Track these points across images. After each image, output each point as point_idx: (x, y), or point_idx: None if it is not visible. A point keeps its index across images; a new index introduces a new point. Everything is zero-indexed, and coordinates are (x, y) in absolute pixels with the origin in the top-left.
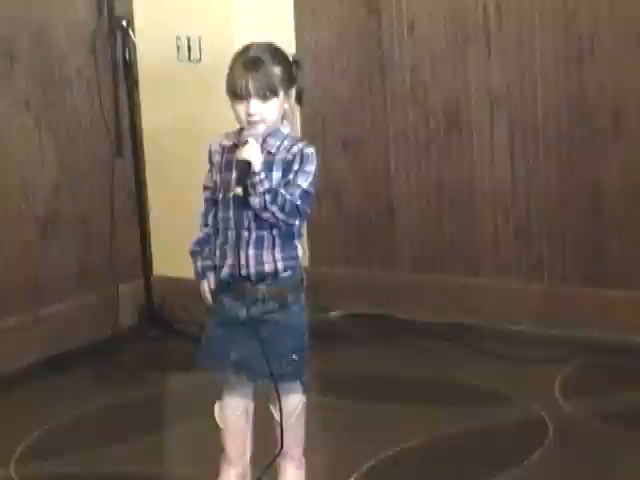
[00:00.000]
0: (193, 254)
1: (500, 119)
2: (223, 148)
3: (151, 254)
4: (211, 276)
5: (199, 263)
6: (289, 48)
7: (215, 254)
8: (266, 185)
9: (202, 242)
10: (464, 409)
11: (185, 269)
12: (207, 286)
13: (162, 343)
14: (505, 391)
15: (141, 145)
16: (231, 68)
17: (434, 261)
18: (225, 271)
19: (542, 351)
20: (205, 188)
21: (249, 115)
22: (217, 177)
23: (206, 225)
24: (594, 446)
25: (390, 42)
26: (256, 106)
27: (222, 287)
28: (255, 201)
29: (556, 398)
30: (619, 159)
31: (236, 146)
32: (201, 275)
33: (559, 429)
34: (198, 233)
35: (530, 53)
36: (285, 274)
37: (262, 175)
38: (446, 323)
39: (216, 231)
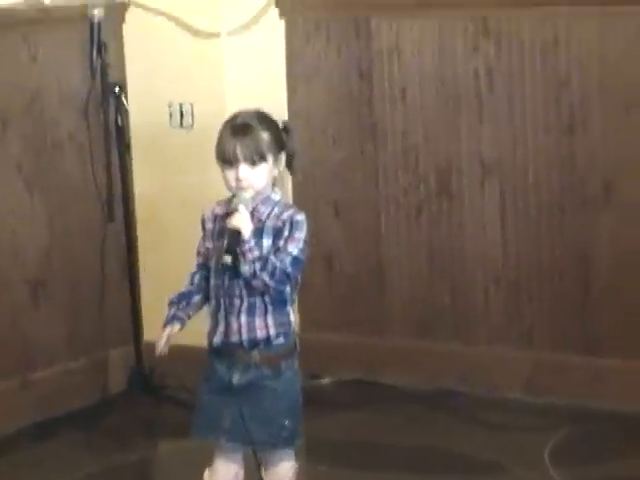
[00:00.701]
0: (170, 303)
1: (491, 185)
2: (215, 216)
3: (141, 320)
4: (177, 326)
5: (172, 311)
6: (282, 113)
7: (209, 321)
8: (256, 253)
9: (181, 296)
10: (453, 477)
11: (176, 335)
12: (167, 334)
13: (151, 409)
14: (495, 459)
15: (133, 210)
16: (220, 135)
17: (424, 327)
18: (217, 338)
19: (532, 419)
20: (198, 253)
21: (238, 180)
22: (209, 245)
23: (191, 284)
24: None
25: (382, 107)
26: (245, 171)
27: (214, 354)
28: (245, 269)
29: (546, 467)
30: (609, 227)
31: (227, 214)
32: (168, 321)
33: None
34: (181, 288)
35: (521, 120)
36: (278, 340)
37: (252, 243)
38: (436, 390)
39: (208, 298)
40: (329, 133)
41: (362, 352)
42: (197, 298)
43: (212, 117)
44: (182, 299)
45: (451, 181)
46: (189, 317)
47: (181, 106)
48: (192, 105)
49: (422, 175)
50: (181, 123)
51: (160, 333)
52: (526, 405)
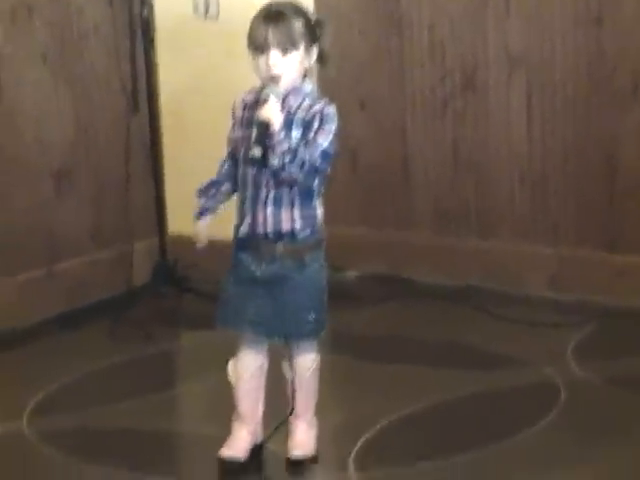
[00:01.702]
0: (198, 192)
1: (518, 79)
2: (245, 104)
3: (166, 212)
4: (208, 217)
5: (201, 202)
6: (308, 4)
7: (236, 212)
8: (285, 146)
9: (210, 184)
10: (476, 372)
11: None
12: (202, 227)
13: (175, 300)
14: (518, 355)
15: (157, 102)
16: (252, 22)
17: (449, 222)
18: (243, 229)
19: (556, 315)
20: (229, 142)
21: (269, 67)
22: (238, 133)
23: (221, 171)
24: (606, 411)
25: (408, 1)
26: (276, 57)
27: (240, 245)
28: (274, 161)
29: (569, 362)
30: (637, 122)
31: (257, 102)
32: (198, 214)
33: (571, 393)
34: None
35: (550, 13)
36: (303, 233)
37: (281, 135)
38: (460, 286)
39: (236, 188)
40: (355, 26)
41: (386, 247)
42: (226, 186)
43: (237, 7)
44: (211, 187)
45: (477, 75)
46: (219, 205)
47: None
48: None
49: (448, 69)
50: (206, 13)
51: (192, 224)
52: (550, 301)
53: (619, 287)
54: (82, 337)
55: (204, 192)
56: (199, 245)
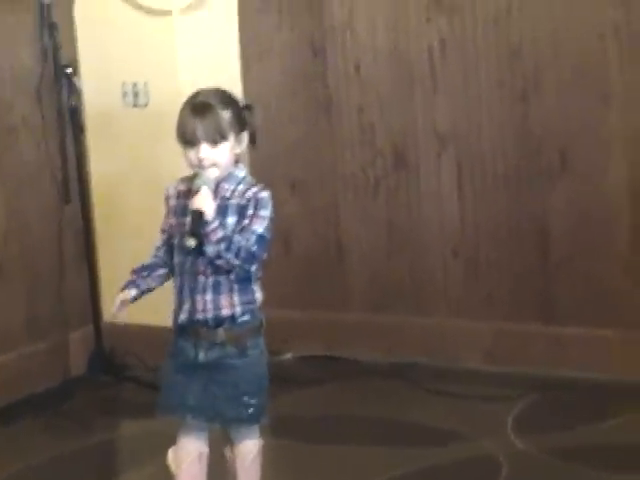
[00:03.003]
0: (131, 272)
1: (447, 156)
2: (178, 193)
3: (100, 300)
4: (132, 292)
5: (131, 278)
6: (236, 91)
7: (174, 299)
8: (220, 234)
9: (144, 267)
10: (417, 449)
11: (135, 315)
12: (119, 298)
13: (113, 390)
14: (458, 430)
15: (89, 191)
16: (180, 114)
17: (384, 301)
18: (183, 316)
19: (494, 389)
20: (162, 231)
21: (200, 160)
22: (173, 221)
23: (155, 257)
24: None
25: (336, 83)
26: (206, 151)
27: (180, 332)
28: (209, 250)
29: (509, 435)
30: (566, 195)
31: (190, 191)
32: (124, 287)
33: (512, 466)
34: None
35: (476, 90)
36: (243, 318)
37: (215, 224)
38: (398, 363)
39: (173, 275)
40: (284, 110)
41: (322, 328)
42: (161, 271)
43: (166, 95)
44: (144, 269)
45: (408, 154)
46: (149, 288)
47: (134, 85)
48: (146, 84)
49: (379, 149)
50: (135, 102)
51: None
52: (487, 375)
53: (555, 359)
54: (18, 431)
55: (137, 272)
56: (111, 318)
